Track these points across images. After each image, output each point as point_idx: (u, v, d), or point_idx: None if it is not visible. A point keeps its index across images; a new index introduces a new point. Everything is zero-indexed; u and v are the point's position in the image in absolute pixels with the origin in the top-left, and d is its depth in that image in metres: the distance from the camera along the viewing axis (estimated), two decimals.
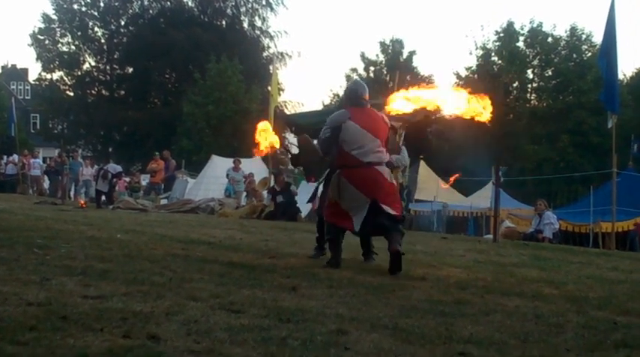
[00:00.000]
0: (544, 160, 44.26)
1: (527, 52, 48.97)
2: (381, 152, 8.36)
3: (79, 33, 56.16)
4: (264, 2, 56.84)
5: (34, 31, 55.47)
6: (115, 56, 57.77)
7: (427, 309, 5.88)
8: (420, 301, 6.23)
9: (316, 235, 9.34)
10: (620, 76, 44.26)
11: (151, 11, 58.37)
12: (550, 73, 48.63)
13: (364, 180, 8.26)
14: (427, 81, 53.47)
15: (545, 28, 48.96)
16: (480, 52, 49.60)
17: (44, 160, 36.39)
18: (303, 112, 27.57)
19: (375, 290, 6.68)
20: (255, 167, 27.91)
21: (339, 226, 8.42)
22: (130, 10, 58.17)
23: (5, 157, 31.90)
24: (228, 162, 28.05)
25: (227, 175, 25.89)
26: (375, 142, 8.32)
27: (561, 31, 50.04)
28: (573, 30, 48.47)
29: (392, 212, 8.19)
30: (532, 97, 49.84)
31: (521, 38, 49.01)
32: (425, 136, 19.62)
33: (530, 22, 49.07)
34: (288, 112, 45.43)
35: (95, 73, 58.05)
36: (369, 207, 8.19)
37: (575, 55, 48.27)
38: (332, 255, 8.40)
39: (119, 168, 24.50)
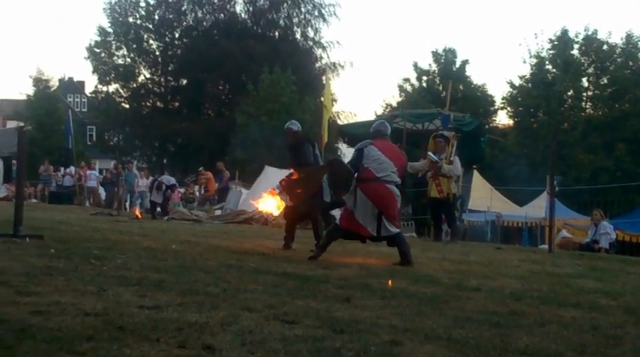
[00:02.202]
0: (600, 169, 43.68)
1: (582, 60, 48.42)
2: (394, 173, 9.75)
3: (134, 45, 56.88)
4: (316, 13, 57.07)
5: (90, 44, 56.33)
6: (170, 68, 58.37)
7: (482, 320, 5.84)
8: (474, 312, 6.19)
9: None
10: None
11: (204, 23, 58.86)
12: (605, 81, 48.04)
13: (375, 193, 9.64)
14: (480, 90, 53.29)
15: (600, 36, 48.47)
16: (534, 61, 49.14)
17: (100, 171, 36.88)
18: (356, 123, 27.55)
19: (429, 301, 6.65)
20: None
21: (354, 232, 9.88)
22: (184, 23, 58.74)
23: (62, 168, 32.36)
24: (282, 173, 28.12)
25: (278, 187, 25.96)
26: (390, 164, 9.75)
27: (617, 39, 49.56)
28: (629, 37, 47.84)
29: (392, 229, 9.73)
30: (587, 106, 49.24)
31: (576, 46, 48.50)
32: (478, 145, 19.51)
33: (585, 30, 48.60)
34: (340, 123, 45.41)
35: (150, 85, 58.73)
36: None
37: (631, 63, 47.63)
38: (318, 251, 9.93)
39: (173, 180, 24.63)
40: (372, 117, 50.66)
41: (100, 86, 57.88)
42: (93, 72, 56.75)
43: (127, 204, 29.37)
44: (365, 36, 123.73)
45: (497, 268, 10.12)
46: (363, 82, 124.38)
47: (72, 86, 75.86)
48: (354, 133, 21.40)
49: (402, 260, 9.70)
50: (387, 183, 9.70)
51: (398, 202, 9.91)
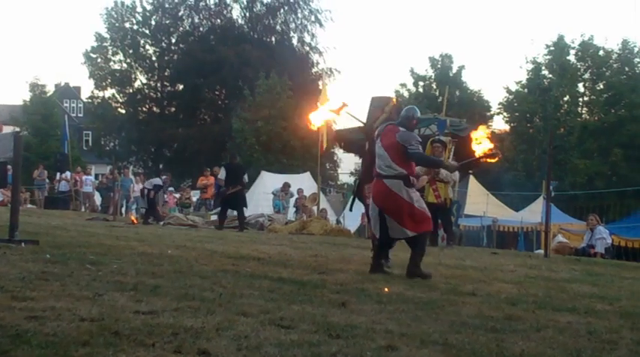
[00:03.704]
0: (596, 174, 43.73)
1: (579, 66, 48.51)
2: (388, 168, 8.93)
3: (131, 51, 56.96)
4: (313, 19, 57.16)
5: (86, 50, 56.45)
6: (166, 73, 58.44)
7: (477, 325, 5.85)
8: (470, 317, 6.20)
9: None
10: None
11: (201, 29, 58.97)
12: (601, 86, 48.13)
13: (374, 190, 9.14)
14: (476, 96, 53.33)
15: (597, 42, 48.55)
16: (531, 66, 49.24)
17: (96, 176, 36.81)
18: (352, 128, 27.55)
19: (425, 306, 6.66)
20: (304, 183, 28.00)
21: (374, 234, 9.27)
22: (181, 28, 58.85)
23: (58, 174, 32.27)
24: (278, 178, 28.20)
25: (273, 193, 26.04)
26: (384, 156, 8.98)
27: (613, 45, 49.67)
28: (625, 43, 47.93)
29: (405, 230, 8.84)
30: (583, 111, 49.33)
31: (572, 52, 48.59)
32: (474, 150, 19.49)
33: (581, 36, 48.71)
34: (336, 128, 45.44)
35: (146, 91, 58.79)
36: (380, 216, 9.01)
37: (627, 69, 47.73)
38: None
39: (158, 180, 24.44)
40: None
41: (96, 91, 58.01)
42: (89, 77, 56.99)
43: (123, 209, 29.30)
44: (362, 41, 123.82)
45: (493, 273, 10.12)
46: (359, 88, 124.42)
47: (68, 91, 75.72)
48: (350, 138, 21.36)
49: (408, 267, 8.88)
50: (384, 178, 8.93)
51: (402, 198, 8.79)
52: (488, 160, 9.47)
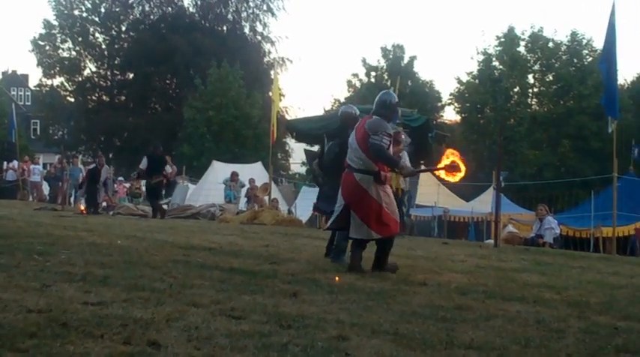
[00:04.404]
0: (545, 164, 44.26)
1: (528, 57, 48.99)
2: (359, 159, 8.37)
3: (80, 39, 56.13)
4: (265, 8, 56.90)
5: (34, 37, 55.48)
6: (116, 62, 57.74)
7: (428, 314, 5.88)
8: (420, 307, 6.23)
9: None
10: (621, 81, 44.33)
11: (152, 17, 58.37)
12: (551, 78, 48.69)
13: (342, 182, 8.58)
14: (428, 86, 53.61)
15: (546, 34, 49.14)
16: (481, 57, 49.62)
17: (44, 166, 36.29)
18: (304, 118, 27.57)
19: (376, 296, 6.67)
20: (255, 173, 27.92)
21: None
22: (131, 16, 58.17)
23: (5, 163, 31.79)
24: (229, 168, 28.08)
25: (224, 183, 25.97)
26: (356, 148, 8.42)
27: (562, 37, 50.21)
28: (574, 35, 48.53)
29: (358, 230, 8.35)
30: (533, 102, 49.87)
31: (522, 43, 49.06)
32: (426, 141, 19.57)
33: (531, 28, 49.21)
34: (288, 118, 45.41)
35: (96, 79, 58.03)
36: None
37: (575, 60, 48.32)
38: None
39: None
40: (321, 112, 50.80)
41: (44, 79, 57.07)
42: (37, 65, 56.04)
43: (72, 199, 28.96)
44: (314, 31, 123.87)
45: (444, 262, 10.19)
46: (311, 78, 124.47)
47: (15, 79, 74.59)
48: (302, 129, 21.34)
49: (373, 264, 8.52)
50: (355, 171, 8.38)
51: (371, 196, 8.27)
52: (447, 175, 8.85)
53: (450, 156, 8.66)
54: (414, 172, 9.89)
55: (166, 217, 19.94)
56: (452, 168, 8.54)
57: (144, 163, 20.03)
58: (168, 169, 20.67)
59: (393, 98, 8.76)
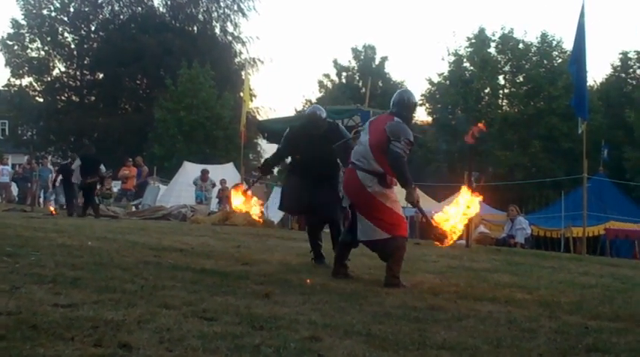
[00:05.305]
0: (515, 165, 44.49)
1: (499, 59, 49.19)
2: (364, 159, 7.85)
3: (49, 38, 55.62)
4: (235, 8, 56.69)
5: (2, 37, 54.92)
6: (86, 62, 57.27)
7: (400, 315, 5.88)
8: (393, 308, 6.24)
9: None
10: (590, 83, 44.63)
11: (121, 17, 57.98)
12: (521, 79, 48.86)
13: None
14: (399, 87, 53.72)
15: (517, 35, 49.23)
16: (452, 59, 49.77)
17: (13, 166, 36.01)
18: (275, 118, 27.56)
19: (349, 297, 6.67)
20: (227, 173, 27.88)
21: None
22: (101, 16, 57.75)
23: None
24: (200, 168, 28.01)
25: (195, 183, 25.91)
26: (364, 148, 7.91)
27: (532, 38, 50.37)
28: (544, 36, 48.73)
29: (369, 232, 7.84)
30: (503, 103, 50.04)
31: (493, 44, 49.22)
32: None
33: (502, 29, 49.35)
34: (260, 118, 45.35)
35: (65, 79, 57.54)
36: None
37: (545, 62, 48.53)
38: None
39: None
40: (292, 113, 50.80)
41: (12, 79, 56.38)
42: (5, 65, 55.43)
43: (41, 200, 28.75)
44: (285, 32, 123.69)
45: (416, 263, 10.21)
46: (282, 78, 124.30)
47: None
48: (274, 129, 21.33)
49: (386, 277, 7.77)
50: (358, 169, 7.82)
51: (374, 196, 7.85)
52: (435, 237, 8.25)
53: (449, 225, 8.19)
54: (414, 204, 8.25)
55: (136, 218, 19.86)
56: (440, 235, 7.96)
57: (76, 164, 20.37)
58: (103, 169, 21.14)
59: (411, 96, 8.22)
